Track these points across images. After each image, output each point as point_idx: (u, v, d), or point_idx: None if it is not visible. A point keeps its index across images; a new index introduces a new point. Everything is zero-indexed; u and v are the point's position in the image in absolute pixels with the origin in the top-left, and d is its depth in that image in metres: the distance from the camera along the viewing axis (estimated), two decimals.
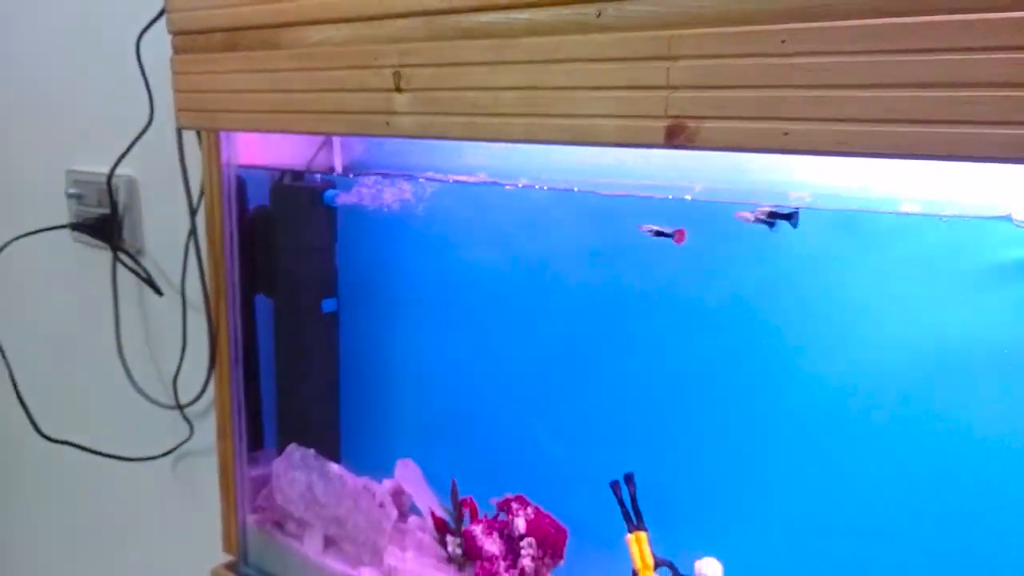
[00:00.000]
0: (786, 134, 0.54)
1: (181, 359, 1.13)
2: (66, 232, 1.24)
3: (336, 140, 0.97)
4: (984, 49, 0.46)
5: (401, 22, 0.72)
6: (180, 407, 1.15)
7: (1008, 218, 0.62)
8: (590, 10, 0.61)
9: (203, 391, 1.10)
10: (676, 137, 0.59)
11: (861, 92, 0.51)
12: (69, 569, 1.52)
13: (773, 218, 0.67)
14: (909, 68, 0.49)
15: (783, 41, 0.53)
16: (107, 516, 1.40)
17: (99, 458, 1.22)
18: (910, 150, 0.50)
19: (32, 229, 1.21)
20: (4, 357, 1.23)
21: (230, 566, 1.08)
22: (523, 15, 0.64)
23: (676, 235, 0.73)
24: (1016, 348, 0.63)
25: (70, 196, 1.24)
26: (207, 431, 1.13)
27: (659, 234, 0.74)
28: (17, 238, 1.19)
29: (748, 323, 0.76)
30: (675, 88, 0.58)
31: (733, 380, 0.78)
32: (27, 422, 1.19)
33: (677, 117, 0.58)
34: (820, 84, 0.52)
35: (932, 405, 0.67)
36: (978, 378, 0.65)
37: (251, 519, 1.05)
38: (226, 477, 1.06)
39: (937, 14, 0.47)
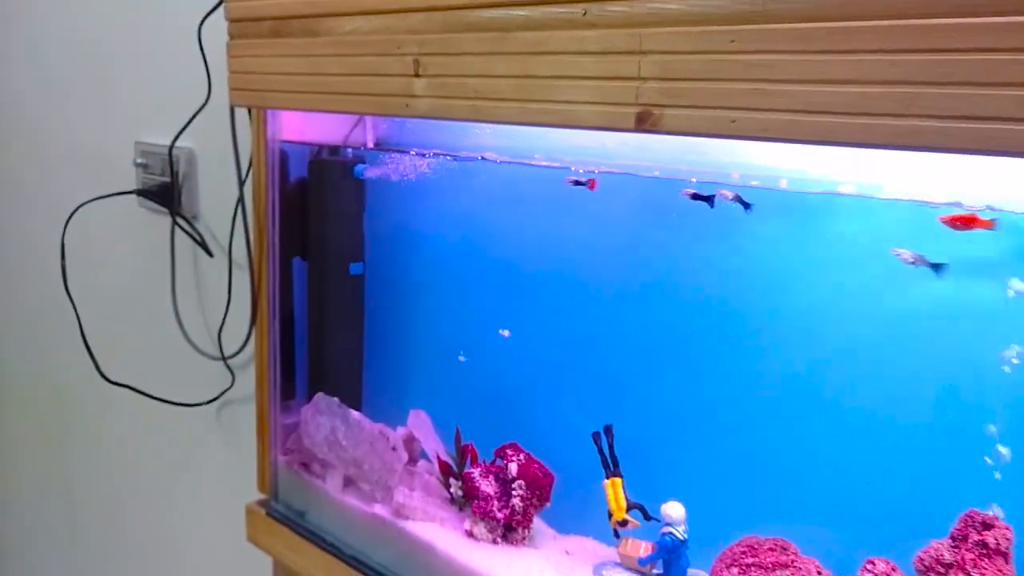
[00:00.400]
0: (733, 121, 0.62)
1: (226, 315, 1.25)
2: (132, 197, 1.38)
3: (368, 118, 1.07)
4: (885, 51, 0.54)
5: (421, 15, 0.82)
6: (224, 358, 1.27)
7: (959, 204, 0.69)
8: (577, 9, 0.70)
9: (245, 344, 1.22)
10: (644, 122, 0.67)
11: (793, 87, 0.59)
12: (123, 499, 1.66)
13: (696, 199, 0.76)
14: (830, 66, 0.57)
15: (732, 40, 0.61)
16: (157, 454, 1.54)
17: (153, 401, 1.36)
18: (828, 137, 0.58)
19: (103, 193, 1.35)
20: (75, 308, 1.37)
21: (262, 503, 1.20)
22: (521, 12, 0.74)
23: (589, 183, 0.86)
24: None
25: (137, 165, 1.37)
26: (247, 381, 1.25)
27: (576, 183, 0.87)
28: (89, 201, 1.33)
29: (717, 296, 0.84)
30: (644, 79, 0.66)
31: (703, 348, 0.86)
32: (92, 366, 1.33)
33: (645, 105, 0.67)
34: (761, 78, 0.60)
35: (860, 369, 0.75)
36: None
37: (281, 460, 1.17)
38: (262, 423, 1.17)
39: (853, 20, 0.55)
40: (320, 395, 1.10)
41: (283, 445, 1.18)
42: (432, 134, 1.01)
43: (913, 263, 0.69)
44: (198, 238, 1.30)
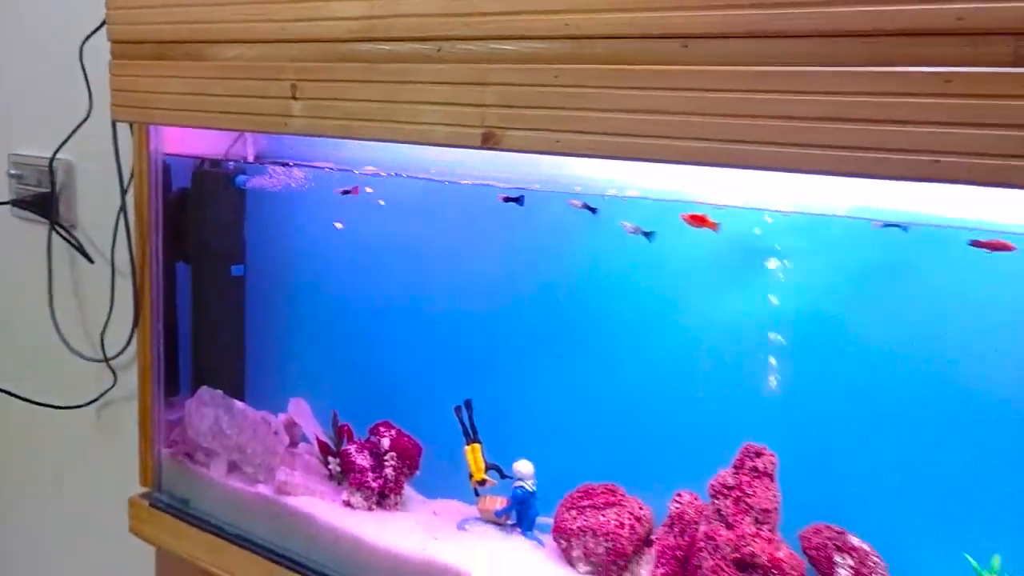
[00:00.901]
0: (557, 141, 0.78)
1: (108, 318, 1.31)
2: (6, 208, 1.41)
3: (248, 134, 1.18)
4: (669, 89, 0.71)
5: (298, 46, 0.94)
6: (107, 360, 1.33)
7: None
8: (432, 46, 0.84)
9: (127, 345, 1.28)
10: (488, 142, 0.82)
11: (602, 114, 0.75)
12: (5, 503, 1.66)
13: (508, 201, 0.93)
14: (629, 99, 0.73)
15: (556, 76, 0.77)
16: (39, 457, 1.55)
17: (33, 405, 1.39)
18: (631, 155, 0.74)
19: None
20: None
21: (145, 495, 1.26)
22: (386, 47, 0.87)
23: (353, 190, 1.07)
24: None
25: (11, 176, 1.40)
26: (130, 380, 1.31)
27: (345, 192, 1.07)
28: None
29: (554, 286, 1.01)
30: (488, 106, 0.81)
31: (543, 330, 1.02)
32: None
33: (489, 127, 0.82)
34: (578, 107, 0.76)
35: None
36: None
37: (165, 452, 1.24)
38: (145, 419, 1.24)
39: (644, 64, 0.72)
40: (204, 388, 1.19)
41: (167, 438, 1.25)
42: (308, 148, 1.12)
43: (633, 232, 0.88)
44: (76, 244, 1.35)
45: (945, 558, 0.78)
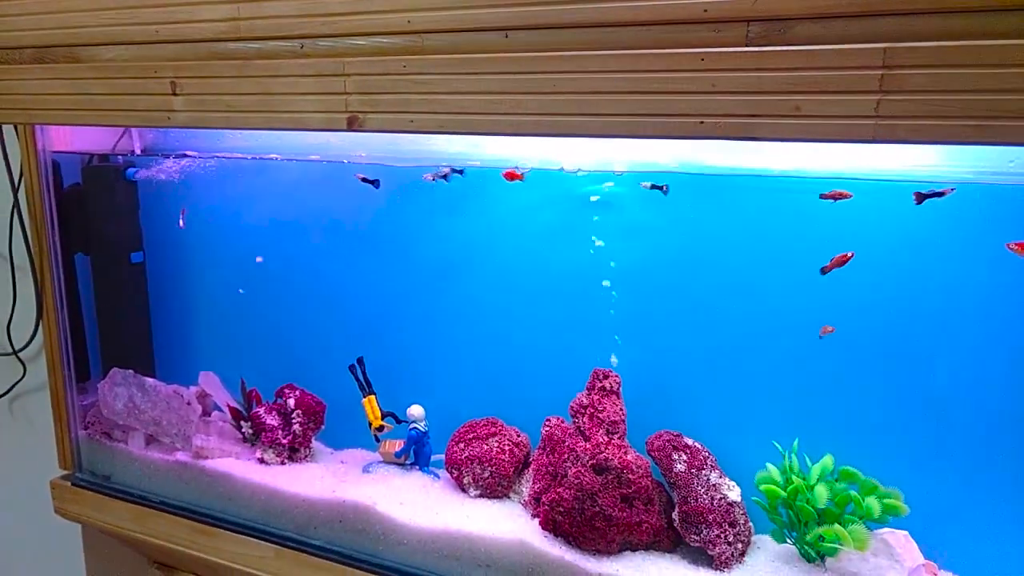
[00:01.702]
0: (412, 121, 0.89)
1: (12, 312, 1.37)
2: None
3: (134, 129, 1.25)
4: (493, 73, 0.83)
5: (174, 46, 1.02)
6: (15, 352, 1.39)
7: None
8: (296, 44, 0.94)
9: (33, 336, 1.34)
10: (353, 125, 0.93)
11: (444, 96, 0.87)
12: None
13: (365, 182, 1.05)
14: (465, 83, 0.85)
15: (404, 66, 0.88)
16: None
17: None
18: (471, 129, 0.86)
19: None
20: None
21: (66, 477, 1.34)
22: (255, 45, 0.96)
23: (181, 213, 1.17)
24: None
25: None
26: (40, 369, 1.37)
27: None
28: None
29: (435, 252, 1.13)
30: (350, 94, 0.92)
31: (423, 293, 1.15)
32: None
33: (353, 112, 0.93)
34: (425, 91, 0.88)
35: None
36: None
37: (82, 434, 1.31)
38: (58, 404, 1.31)
39: (471, 53, 0.84)
40: (115, 369, 1.26)
41: (83, 421, 1.32)
42: (192, 140, 1.20)
43: (433, 179, 1.03)
44: None
45: (758, 446, 0.95)
